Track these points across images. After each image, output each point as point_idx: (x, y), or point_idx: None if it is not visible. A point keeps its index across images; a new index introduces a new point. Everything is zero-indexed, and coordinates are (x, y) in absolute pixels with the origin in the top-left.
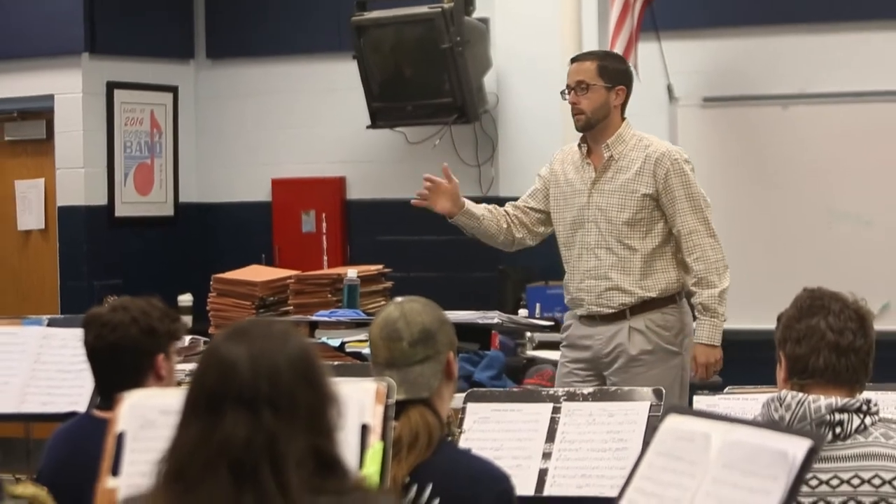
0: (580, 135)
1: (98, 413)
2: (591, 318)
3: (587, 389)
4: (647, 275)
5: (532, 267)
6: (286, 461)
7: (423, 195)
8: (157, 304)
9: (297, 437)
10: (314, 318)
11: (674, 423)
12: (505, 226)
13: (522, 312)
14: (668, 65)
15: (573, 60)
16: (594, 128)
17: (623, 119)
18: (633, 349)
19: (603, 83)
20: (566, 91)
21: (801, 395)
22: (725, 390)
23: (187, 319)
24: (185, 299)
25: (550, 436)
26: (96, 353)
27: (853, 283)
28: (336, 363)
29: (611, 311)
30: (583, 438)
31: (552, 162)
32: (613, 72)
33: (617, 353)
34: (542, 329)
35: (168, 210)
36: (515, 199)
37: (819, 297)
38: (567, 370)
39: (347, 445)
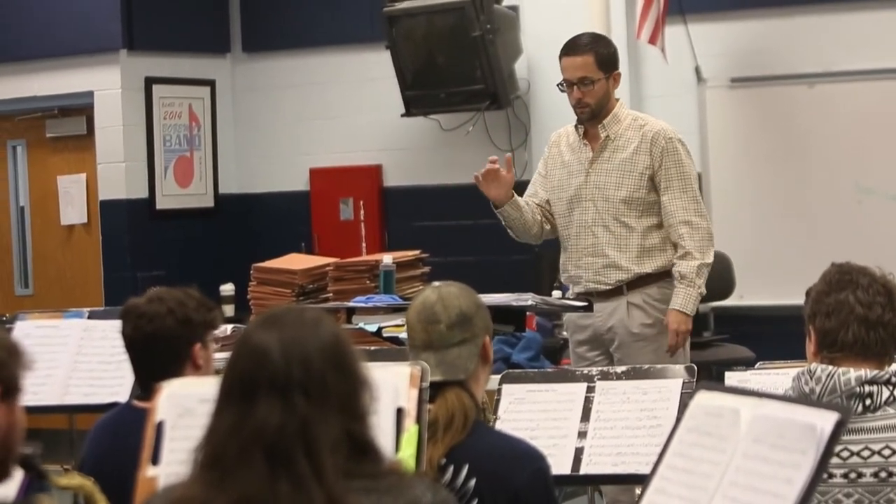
0: None
1: (138, 403)
2: (589, 296)
3: (620, 368)
4: (643, 252)
5: None
6: (320, 446)
7: (486, 173)
8: (193, 294)
9: (330, 422)
10: (351, 304)
11: (704, 400)
12: (539, 217)
13: (556, 294)
14: (695, 47)
15: (567, 53)
16: (598, 116)
17: (617, 99)
18: (633, 325)
19: (603, 75)
20: (564, 85)
21: (830, 367)
22: (757, 366)
23: (229, 309)
24: (227, 289)
25: (585, 415)
26: (134, 344)
27: (881, 259)
28: (372, 348)
29: (608, 287)
30: (617, 417)
31: (549, 145)
32: (608, 59)
33: (617, 329)
34: (576, 310)
35: (208, 201)
36: None
37: (847, 272)
38: (577, 356)
39: (383, 429)
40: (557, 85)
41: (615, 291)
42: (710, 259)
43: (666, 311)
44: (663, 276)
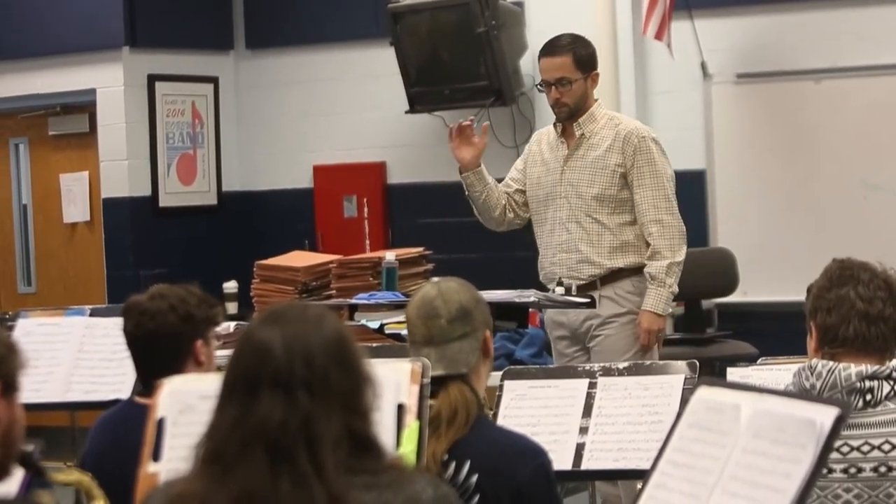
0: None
1: (139, 399)
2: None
3: (622, 364)
4: (616, 249)
5: None
6: (322, 442)
7: (459, 129)
8: (194, 291)
9: (332, 418)
10: (353, 300)
11: (704, 395)
12: (503, 202)
13: (559, 290)
14: (701, 42)
15: (545, 54)
16: (576, 115)
17: (595, 99)
18: (603, 313)
19: (581, 75)
20: (542, 85)
21: (831, 363)
22: (759, 361)
23: (232, 306)
24: (230, 286)
25: (587, 411)
26: (136, 341)
27: (887, 255)
28: (374, 345)
29: (581, 282)
30: (619, 412)
31: (531, 143)
32: (586, 59)
33: (591, 321)
34: (578, 306)
35: (211, 199)
36: None
37: (848, 268)
38: (557, 353)
39: (384, 425)
40: (536, 85)
41: (588, 286)
42: (680, 257)
43: (638, 304)
44: (637, 271)
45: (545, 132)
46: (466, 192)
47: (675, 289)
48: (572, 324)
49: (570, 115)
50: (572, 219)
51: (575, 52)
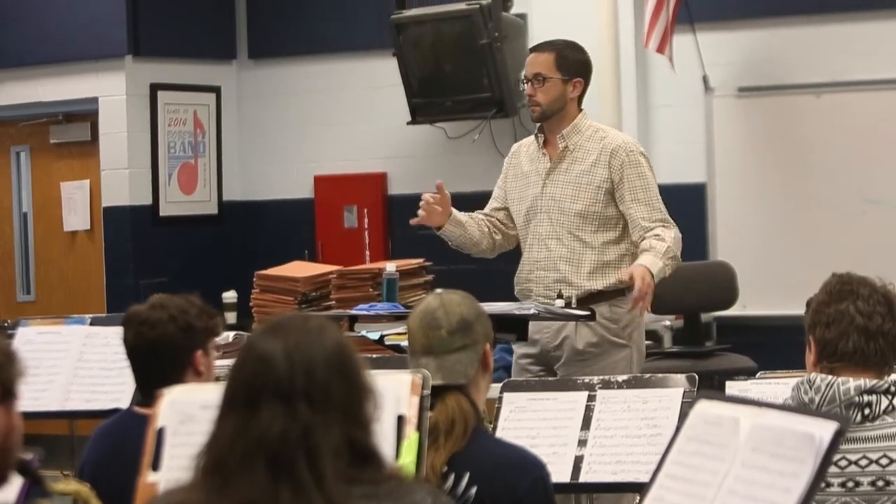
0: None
1: (139, 409)
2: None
3: (621, 377)
4: (596, 269)
5: None
6: (322, 453)
7: (423, 216)
8: (194, 301)
9: (332, 429)
10: (353, 311)
11: (704, 409)
12: (486, 230)
13: (559, 303)
14: (703, 56)
15: (532, 50)
16: (549, 119)
17: (580, 110)
18: (579, 342)
19: (560, 75)
20: (523, 81)
21: (830, 377)
22: (758, 375)
23: (231, 316)
24: (230, 296)
25: (586, 423)
26: (136, 351)
27: (886, 269)
28: (374, 356)
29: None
30: (618, 425)
31: (510, 156)
32: (571, 63)
33: (564, 346)
34: (578, 319)
35: (212, 208)
36: None
37: (848, 282)
38: (520, 367)
39: (384, 436)
40: (521, 81)
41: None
42: (679, 255)
43: (615, 331)
44: (615, 294)
45: (525, 143)
46: (450, 244)
47: (668, 272)
48: (546, 345)
49: (542, 117)
50: (553, 235)
51: (559, 52)
